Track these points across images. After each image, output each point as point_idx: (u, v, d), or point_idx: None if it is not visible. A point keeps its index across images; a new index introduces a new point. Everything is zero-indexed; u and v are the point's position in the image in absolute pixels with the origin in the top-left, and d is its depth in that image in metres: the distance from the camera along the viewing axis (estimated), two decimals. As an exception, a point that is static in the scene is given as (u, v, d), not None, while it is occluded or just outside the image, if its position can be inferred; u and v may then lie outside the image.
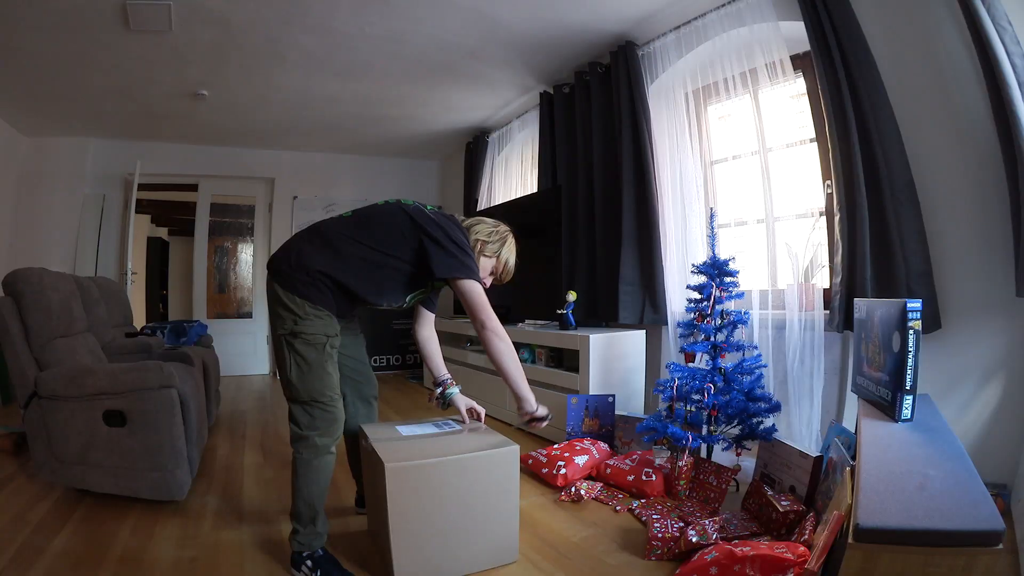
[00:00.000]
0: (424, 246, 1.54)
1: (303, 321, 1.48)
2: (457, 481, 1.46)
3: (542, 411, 1.65)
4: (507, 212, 3.82)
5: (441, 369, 1.89)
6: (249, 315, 5.39)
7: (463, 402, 1.84)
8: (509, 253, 1.75)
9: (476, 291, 1.55)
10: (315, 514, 1.51)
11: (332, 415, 1.52)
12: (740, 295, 2.23)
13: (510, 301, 3.64)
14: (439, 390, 1.85)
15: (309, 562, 1.47)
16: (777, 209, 2.55)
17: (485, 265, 1.71)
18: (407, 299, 1.68)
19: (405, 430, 1.71)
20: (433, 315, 1.91)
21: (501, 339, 1.56)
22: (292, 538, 1.51)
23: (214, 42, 3.02)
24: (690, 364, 2.22)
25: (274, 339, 1.56)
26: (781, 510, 1.64)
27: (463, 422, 1.81)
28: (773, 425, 2.08)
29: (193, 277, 5.26)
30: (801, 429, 2.27)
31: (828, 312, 2.23)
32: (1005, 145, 1.66)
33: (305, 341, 1.48)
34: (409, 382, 4.77)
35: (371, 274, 1.55)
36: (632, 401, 2.84)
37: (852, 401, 2.04)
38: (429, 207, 1.66)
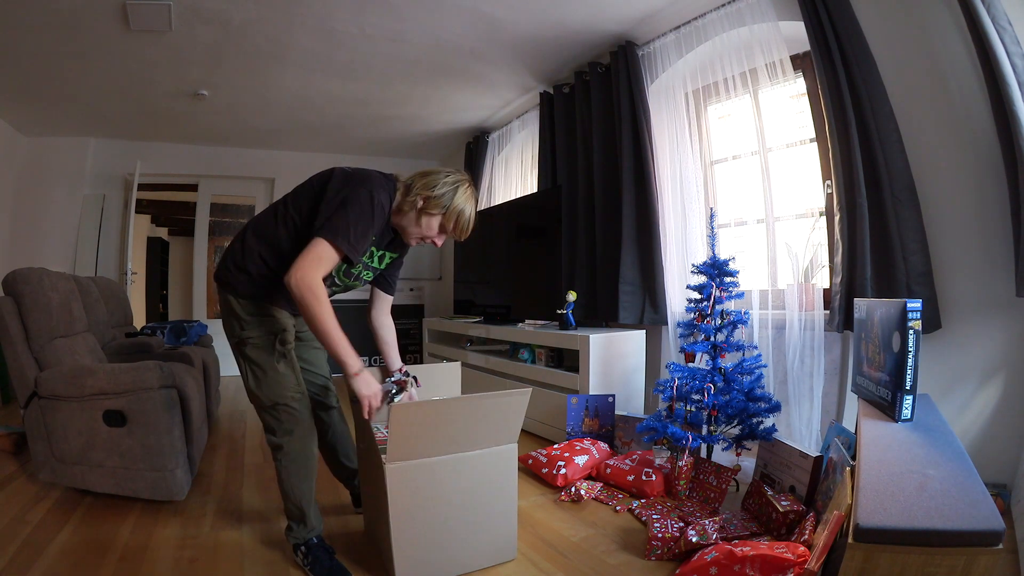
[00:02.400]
0: (322, 198, 1.40)
1: (247, 326, 1.45)
2: (456, 479, 1.46)
3: (366, 387, 1.41)
4: (507, 212, 3.82)
5: (395, 361, 1.72)
6: (249, 315, 5.38)
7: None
8: (463, 203, 1.50)
9: (323, 247, 1.33)
10: (303, 514, 1.52)
11: (296, 416, 1.48)
12: (740, 295, 2.23)
13: (510, 301, 3.65)
14: (392, 389, 1.58)
15: (303, 548, 1.50)
16: (777, 209, 2.55)
17: (430, 223, 1.50)
18: (335, 275, 1.50)
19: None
20: (390, 297, 1.73)
21: (315, 296, 1.33)
22: (287, 533, 1.56)
23: (214, 42, 3.02)
24: (690, 364, 2.22)
25: (232, 351, 1.53)
26: (781, 510, 1.64)
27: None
28: (773, 425, 2.08)
29: (193, 277, 5.26)
30: (801, 429, 2.27)
31: (828, 312, 2.23)
32: (1005, 145, 1.66)
33: (253, 345, 1.46)
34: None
35: (288, 250, 1.41)
36: (632, 401, 2.84)
37: (852, 401, 2.04)
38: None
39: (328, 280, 1.47)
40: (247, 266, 1.46)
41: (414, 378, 1.68)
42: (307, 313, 1.34)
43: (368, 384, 1.43)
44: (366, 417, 1.47)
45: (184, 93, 3.75)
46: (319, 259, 1.33)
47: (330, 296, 1.46)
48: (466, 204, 1.51)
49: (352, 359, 1.39)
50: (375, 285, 1.72)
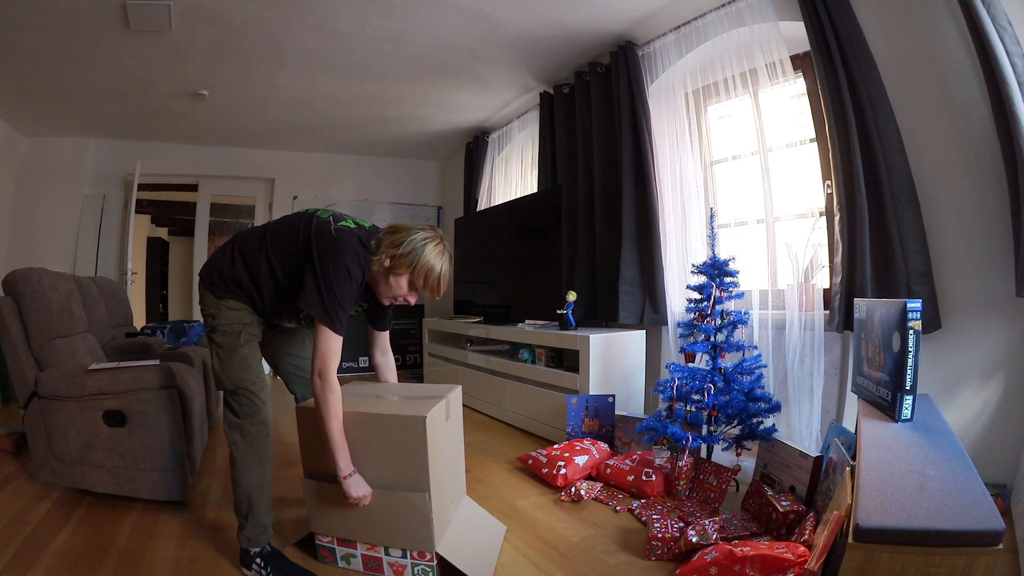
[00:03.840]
0: (308, 264, 1.43)
1: (218, 315, 1.53)
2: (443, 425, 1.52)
3: (356, 489, 1.41)
4: (507, 212, 3.82)
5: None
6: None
7: None
8: (432, 260, 1.46)
9: (331, 341, 1.41)
10: (251, 506, 1.51)
11: (255, 402, 1.51)
12: (740, 295, 2.23)
13: (510, 301, 3.65)
14: None
15: (259, 560, 1.49)
16: (777, 209, 2.55)
17: (399, 283, 1.49)
18: (301, 316, 1.61)
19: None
20: (384, 334, 1.77)
21: (333, 392, 1.41)
22: (239, 534, 1.52)
23: (214, 42, 3.02)
24: (690, 364, 2.22)
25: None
26: (781, 510, 1.64)
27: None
28: (773, 425, 2.08)
29: (193, 277, 5.24)
30: (801, 429, 2.27)
31: (828, 312, 2.23)
32: (1005, 145, 1.67)
33: (222, 332, 1.52)
34: (409, 381, 4.77)
35: (268, 284, 1.52)
36: (632, 401, 2.84)
37: (852, 401, 2.04)
38: (346, 223, 1.50)
39: (292, 314, 1.60)
40: (238, 278, 1.53)
41: None
42: (325, 409, 1.40)
43: (359, 487, 1.42)
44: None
45: (184, 93, 3.75)
46: (332, 353, 1.42)
47: (288, 323, 1.66)
48: (435, 260, 1.47)
49: (346, 462, 1.42)
50: (368, 323, 1.76)
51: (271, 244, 1.52)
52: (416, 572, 1.46)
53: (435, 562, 1.45)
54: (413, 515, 1.41)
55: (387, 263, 1.47)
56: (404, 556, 1.46)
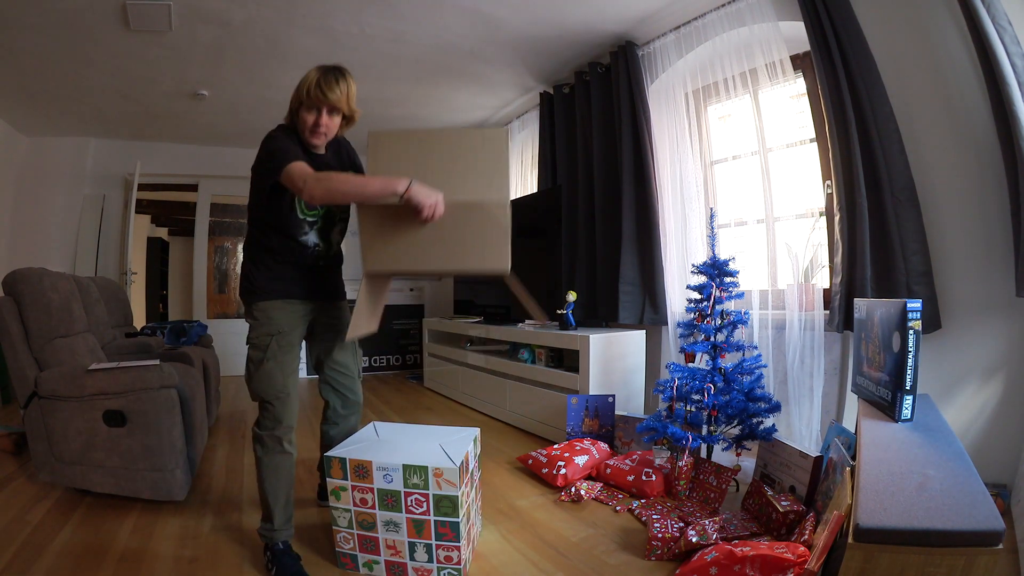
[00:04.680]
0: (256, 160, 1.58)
1: (251, 330, 1.60)
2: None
3: (426, 194, 1.41)
4: (507, 212, 3.81)
5: None
6: (249, 315, 5.39)
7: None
8: (304, 81, 1.57)
9: (293, 171, 1.45)
10: (270, 512, 1.56)
11: (275, 416, 1.57)
12: (740, 295, 2.23)
13: (510, 301, 3.65)
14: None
15: (269, 553, 1.54)
16: (777, 209, 2.55)
17: (305, 118, 1.59)
18: (300, 210, 1.60)
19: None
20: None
21: (319, 179, 1.44)
22: (261, 522, 1.61)
23: (214, 42, 3.02)
24: (690, 364, 2.22)
25: None
26: (781, 510, 1.64)
27: None
28: (773, 425, 2.08)
29: (193, 277, 5.26)
30: (801, 429, 2.27)
31: (828, 312, 2.23)
32: (1005, 145, 1.67)
33: (253, 345, 1.58)
34: (409, 381, 4.77)
35: (275, 237, 1.60)
36: (632, 401, 2.84)
37: (852, 401, 2.04)
38: None
39: (298, 219, 1.60)
40: (259, 258, 1.60)
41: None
42: (333, 192, 1.46)
43: (428, 193, 1.43)
44: (427, 219, 1.46)
45: (184, 93, 3.76)
46: (299, 174, 1.45)
47: (309, 230, 1.63)
48: (306, 80, 1.57)
49: (396, 181, 1.43)
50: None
51: (250, 212, 1.63)
52: (443, 575, 1.47)
53: (462, 565, 1.45)
54: (492, 228, 1.39)
55: (293, 107, 1.62)
56: (431, 560, 1.46)
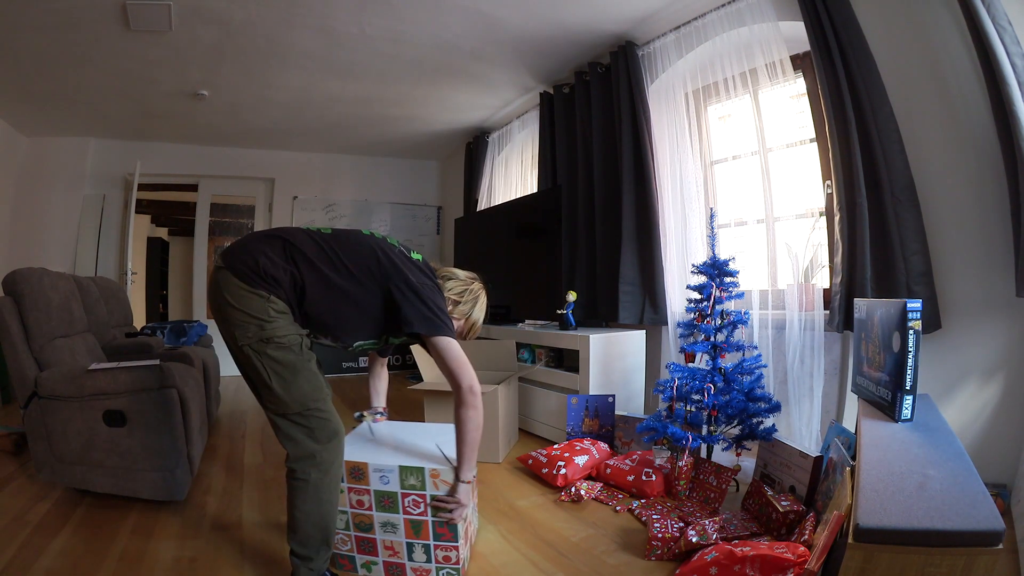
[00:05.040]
0: (393, 295, 1.37)
1: (270, 324, 1.28)
2: None
3: (467, 496, 1.42)
4: (507, 212, 3.82)
5: (380, 401, 1.85)
6: (249, 315, 5.38)
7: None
8: (479, 313, 1.61)
9: (455, 348, 1.40)
10: (327, 536, 1.38)
11: (331, 422, 1.37)
12: (740, 295, 2.23)
13: (510, 301, 3.65)
14: (370, 414, 1.83)
15: None
16: (777, 209, 2.55)
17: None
18: (356, 344, 1.49)
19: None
20: (385, 360, 1.84)
21: (476, 407, 1.39)
22: (302, 567, 1.36)
23: (214, 42, 3.02)
24: (690, 364, 2.22)
25: (236, 352, 1.33)
26: (781, 510, 1.64)
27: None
28: (773, 425, 2.08)
29: (193, 277, 5.26)
30: (801, 429, 2.27)
31: (828, 312, 2.23)
32: (1005, 145, 1.66)
33: (278, 345, 1.30)
34: (408, 381, 4.77)
35: (335, 302, 1.36)
36: (632, 401, 2.84)
37: (852, 401, 2.04)
38: (415, 254, 1.53)
39: (349, 339, 1.47)
40: (279, 278, 1.31)
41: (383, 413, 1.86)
42: (472, 422, 1.39)
43: (469, 496, 1.44)
44: (452, 520, 1.44)
45: (184, 93, 3.76)
46: (463, 356, 1.41)
47: (331, 346, 1.50)
48: (481, 313, 1.62)
49: (474, 468, 1.44)
50: (376, 353, 1.79)
51: (338, 259, 1.37)
52: (442, 575, 1.46)
53: (460, 564, 1.45)
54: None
55: (449, 307, 1.51)
56: (428, 560, 1.45)
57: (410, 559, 1.47)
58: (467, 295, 1.57)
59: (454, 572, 1.45)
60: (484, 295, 1.63)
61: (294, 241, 1.36)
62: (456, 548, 1.44)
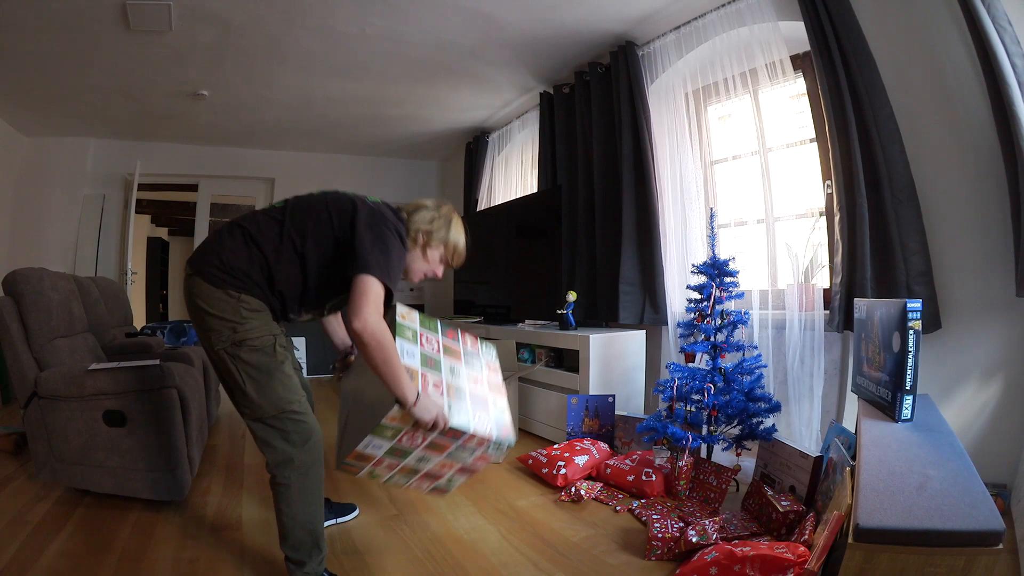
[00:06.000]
0: (352, 242, 1.33)
1: (243, 325, 1.29)
2: None
3: (423, 412, 1.28)
4: (507, 212, 3.82)
5: (344, 339, 1.74)
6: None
7: None
8: (457, 235, 1.55)
9: (379, 287, 1.29)
10: (316, 538, 1.37)
11: (306, 424, 1.35)
12: (740, 295, 2.23)
13: (510, 301, 3.65)
14: (341, 361, 1.73)
15: None
16: (777, 209, 2.55)
17: (432, 256, 1.53)
18: (328, 304, 1.49)
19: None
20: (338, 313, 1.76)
21: (368, 343, 1.26)
22: (297, 572, 1.36)
23: (214, 42, 3.02)
24: (690, 364, 2.22)
25: (212, 357, 1.34)
26: (781, 510, 1.64)
27: None
28: (773, 425, 2.08)
29: (193, 277, 5.26)
30: (801, 429, 2.27)
31: (828, 312, 2.23)
32: (1005, 145, 1.66)
33: (251, 347, 1.30)
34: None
35: (303, 271, 1.36)
36: (632, 401, 2.84)
37: (852, 401, 2.04)
38: (373, 199, 1.47)
39: (320, 303, 1.47)
40: (249, 270, 1.33)
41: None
42: (377, 358, 1.24)
43: (428, 409, 1.30)
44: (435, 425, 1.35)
45: (184, 93, 3.75)
46: (378, 299, 1.27)
47: (304, 319, 1.49)
48: (459, 235, 1.57)
49: (410, 390, 1.27)
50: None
51: (297, 227, 1.36)
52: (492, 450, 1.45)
53: (492, 437, 1.42)
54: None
55: (422, 239, 1.50)
56: (473, 453, 1.43)
57: (460, 459, 1.45)
58: (438, 220, 1.52)
59: (499, 446, 1.44)
60: (457, 217, 1.58)
61: (252, 225, 1.37)
62: (474, 436, 1.38)
